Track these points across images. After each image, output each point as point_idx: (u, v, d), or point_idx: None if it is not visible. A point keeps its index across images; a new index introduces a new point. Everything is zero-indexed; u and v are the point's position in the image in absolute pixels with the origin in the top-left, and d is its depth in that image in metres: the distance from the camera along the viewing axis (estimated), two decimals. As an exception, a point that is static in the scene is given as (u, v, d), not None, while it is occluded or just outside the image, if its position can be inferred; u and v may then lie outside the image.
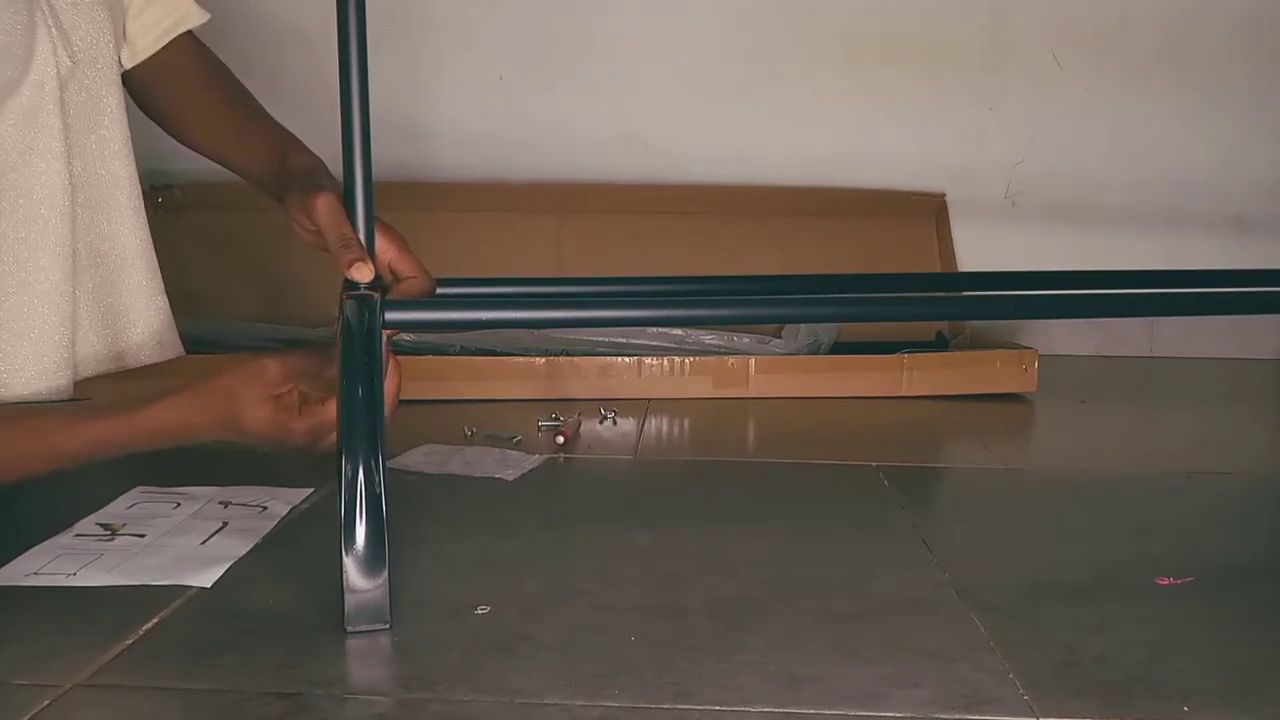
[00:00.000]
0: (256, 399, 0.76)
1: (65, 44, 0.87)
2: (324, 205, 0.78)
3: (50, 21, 0.86)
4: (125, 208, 0.94)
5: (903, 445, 1.21)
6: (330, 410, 0.75)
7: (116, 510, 0.90)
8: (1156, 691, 0.62)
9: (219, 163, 0.98)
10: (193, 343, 1.43)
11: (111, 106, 0.93)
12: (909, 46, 1.75)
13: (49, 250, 0.87)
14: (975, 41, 1.75)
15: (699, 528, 0.90)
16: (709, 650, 0.66)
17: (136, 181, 0.95)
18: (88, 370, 0.92)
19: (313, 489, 0.96)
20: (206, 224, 1.61)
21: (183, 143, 1.00)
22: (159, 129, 1.02)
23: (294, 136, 0.94)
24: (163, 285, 0.98)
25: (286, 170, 0.88)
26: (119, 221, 0.94)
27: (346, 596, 0.67)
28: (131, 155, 0.95)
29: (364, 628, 0.68)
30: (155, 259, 0.97)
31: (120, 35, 0.94)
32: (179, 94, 0.99)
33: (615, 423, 1.27)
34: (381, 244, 0.80)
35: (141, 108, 1.01)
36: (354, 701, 0.59)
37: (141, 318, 0.96)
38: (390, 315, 0.75)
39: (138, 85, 0.99)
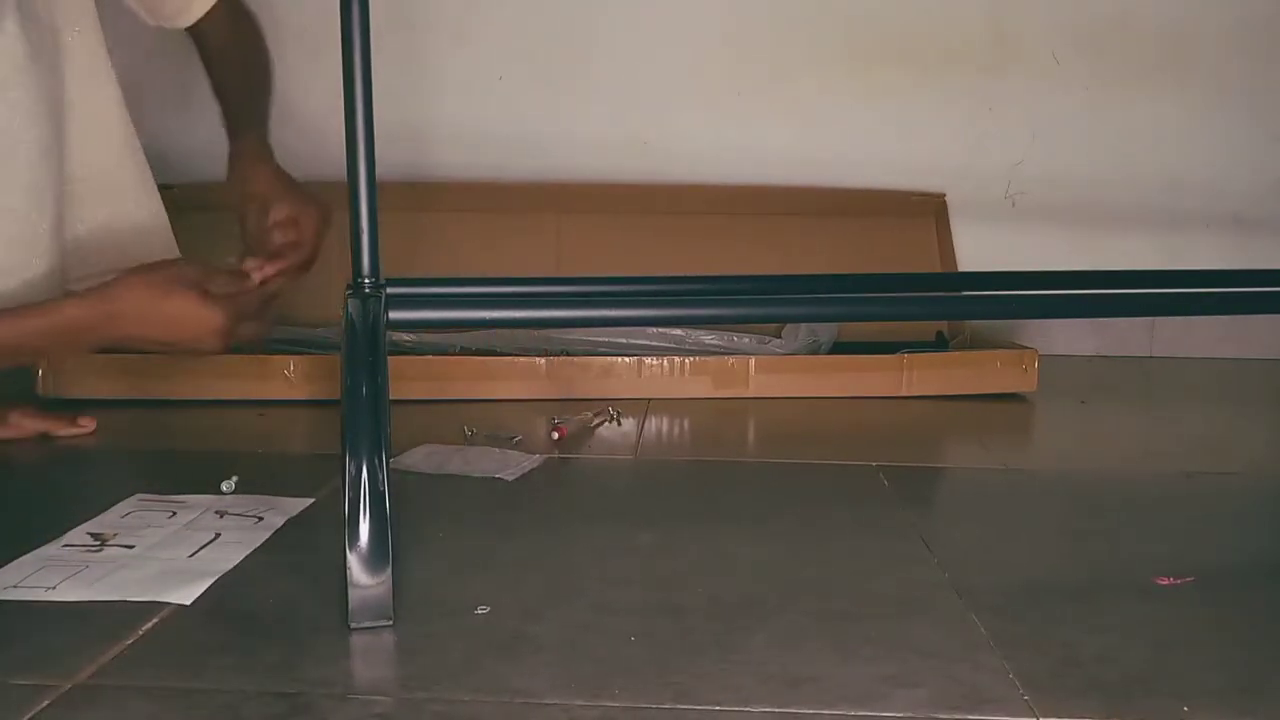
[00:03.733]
0: (193, 280, 0.90)
1: None
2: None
3: None
4: None
5: (903, 445, 1.21)
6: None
7: (110, 519, 0.88)
8: (1156, 691, 0.62)
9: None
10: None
11: None
12: (909, 46, 1.75)
13: None
14: (975, 41, 1.75)
15: (699, 528, 0.90)
16: (709, 650, 0.66)
17: None
18: None
19: (313, 499, 0.94)
20: (206, 224, 1.61)
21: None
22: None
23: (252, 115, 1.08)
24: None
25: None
26: None
27: (350, 592, 0.67)
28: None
29: (368, 624, 0.68)
30: None
31: None
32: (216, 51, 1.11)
33: (619, 423, 1.27)
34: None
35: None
36: (354, 701, 0.59)
37: None
38: (394, 314, 0.75)
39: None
